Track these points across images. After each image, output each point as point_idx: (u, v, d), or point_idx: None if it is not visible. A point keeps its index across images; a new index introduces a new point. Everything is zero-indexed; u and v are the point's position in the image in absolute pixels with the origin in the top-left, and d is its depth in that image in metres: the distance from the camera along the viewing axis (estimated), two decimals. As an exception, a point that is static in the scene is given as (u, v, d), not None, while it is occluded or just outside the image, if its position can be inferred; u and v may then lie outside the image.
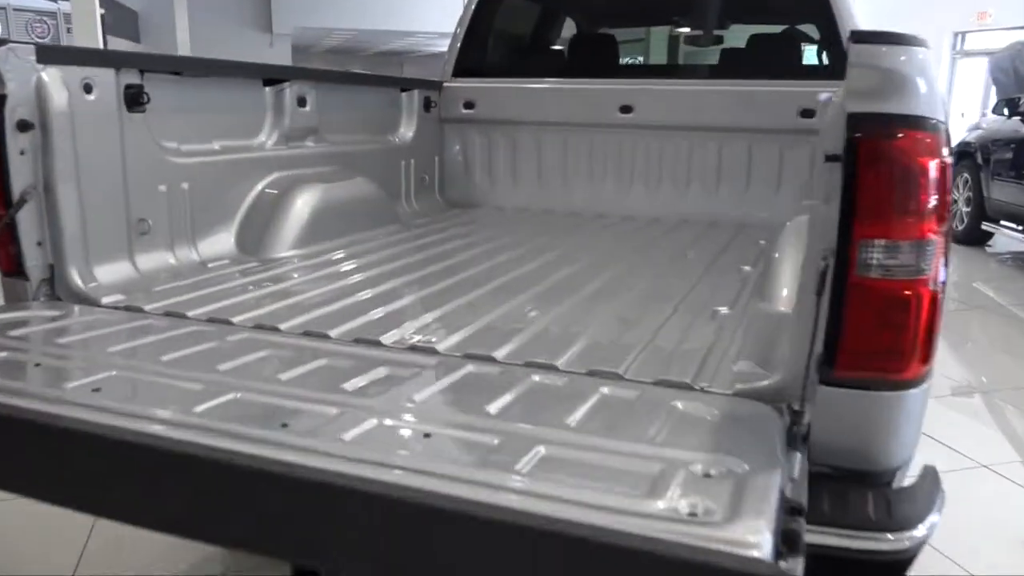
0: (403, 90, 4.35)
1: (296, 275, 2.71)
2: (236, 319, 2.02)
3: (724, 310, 2.33)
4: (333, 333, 1.92)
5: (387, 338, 1.83)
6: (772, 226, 3.91)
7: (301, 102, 3.44)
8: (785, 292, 2.31)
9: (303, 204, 3.21)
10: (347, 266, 2.90)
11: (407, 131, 4.39)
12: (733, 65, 4.40)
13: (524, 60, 4.90)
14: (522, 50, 4.91)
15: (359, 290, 2.51)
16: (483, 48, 4.82)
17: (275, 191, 3.21)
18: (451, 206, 4.64)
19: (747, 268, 2.97)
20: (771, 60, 4.37)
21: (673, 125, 4.28)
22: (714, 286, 2.59)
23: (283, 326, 1.94)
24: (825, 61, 4.34)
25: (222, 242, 2.96)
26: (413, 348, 1.77)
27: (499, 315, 2.10)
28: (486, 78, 4.64)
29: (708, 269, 2.93)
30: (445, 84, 4.63)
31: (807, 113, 3.98)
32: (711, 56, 4.89)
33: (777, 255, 2.53)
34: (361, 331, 1.95)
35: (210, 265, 2.82)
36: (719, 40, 5.57)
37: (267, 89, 3.32)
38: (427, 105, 4.52)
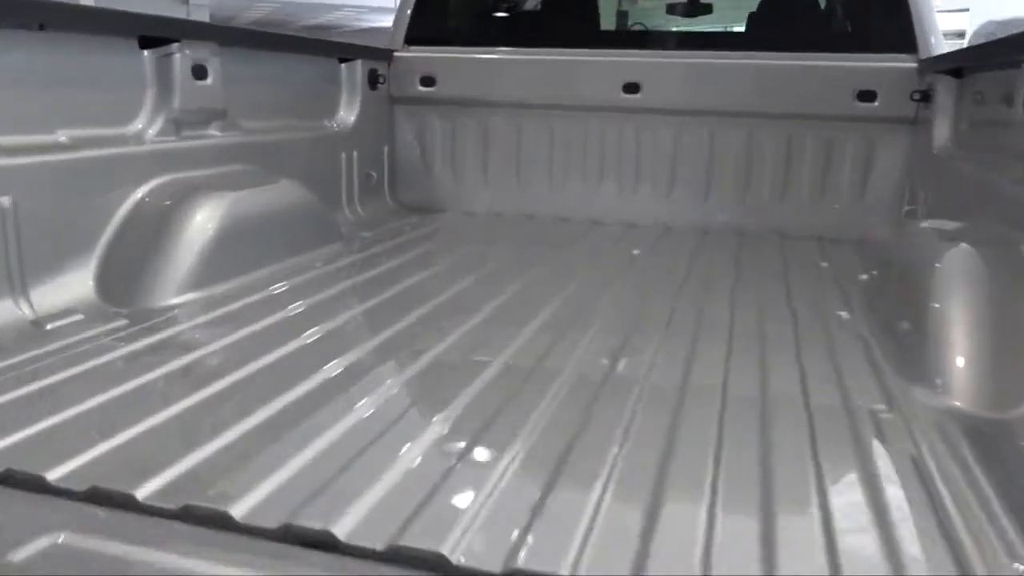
0: (342, 60, 3.32)
1: (190, 344, 1.71)
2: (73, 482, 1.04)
3: (882, 409, 1.42)
4: (259, 519, 0.98)
5: (354, 535, 1.00)
6: (820, 240, 3.06)
7: (198, 73, 2.40)
8: (964, 373, 1.44)
9: (203, 222, 2.18)
10: (271, 320, 1.91)
11: (348, 114, 3.38)
12: (768, 33, 3.52)
13: (498, 24, 3.91)
14: (495, 11, 3.92)
15: (295, 381, 1.52)
16: (444, 7, 3.81)
17: (160, 203, 2.17)
18: (406, 211, 3.65)
19: (844, 315, 2.07)
20: (816, 27, 3.50)
21: (692, 109, 3.37)
22: (819, 360, 1.68)
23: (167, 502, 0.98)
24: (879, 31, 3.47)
25: (72, 286, 1.94)
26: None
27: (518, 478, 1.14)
28: (449, 47, 3.64)
29: (781, 317, 2.05)
30: (396, 54, 3.62)
31: (866, 96, 3.12)
32: (732, 19, 3.99)
33: (938, 306, 1.63)
34: (306, 514, 0.99)
35: (50, 327, 1.80)
36: (707, 8, 4.66)
37: (146, 53, 2.28)
38: (373, 81, 3.50)
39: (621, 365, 1.66)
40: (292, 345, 1.75)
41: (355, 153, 3.42)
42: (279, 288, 2.23)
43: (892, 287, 2.04)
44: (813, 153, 3.33)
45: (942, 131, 2.82)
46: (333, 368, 1.64)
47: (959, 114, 2.77)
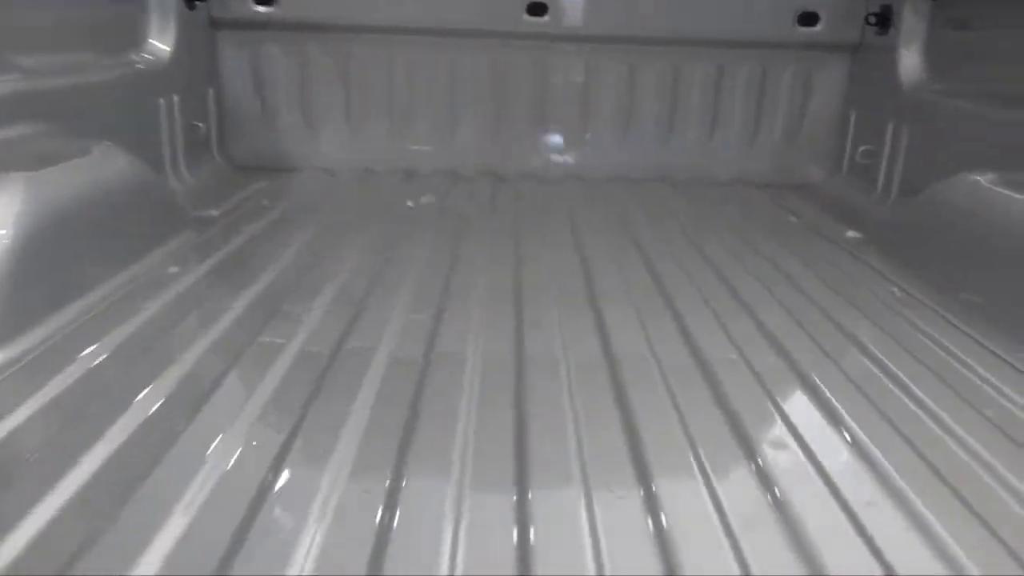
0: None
1: None
2: None
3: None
4: None
5: None
6: (759, 188, 2.70)
7: None
8: None
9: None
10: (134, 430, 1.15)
11: (162, 43, 2.44)
12: None
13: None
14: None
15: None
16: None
17: None
18: (243, 172, 2.78)
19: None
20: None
21: (609, 36, 2.81)
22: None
23: None
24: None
25: None
26: None
27: None
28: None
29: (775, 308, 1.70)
30: (216, -42, 2.68)
31: (808, 18, 2.73)
32: None
33: None
34: None
35: None
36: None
37: None
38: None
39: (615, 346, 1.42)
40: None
41: (175, 99, 2.49)
42: (117, 334, 1.39)
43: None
44: (746, 87, 2.91)
45: (912, 61, 2.49)
46: None
47: (932, 41, 2.44)
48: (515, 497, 0.96)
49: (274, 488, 0.97)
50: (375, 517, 0.92)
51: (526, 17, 2.80)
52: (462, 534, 0.89)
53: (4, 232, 1.34)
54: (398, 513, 0.93)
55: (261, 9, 2.79)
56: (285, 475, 1.00)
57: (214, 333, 1.42)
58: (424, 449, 1.07)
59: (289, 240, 2.03)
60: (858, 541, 0.91)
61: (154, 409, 1.14)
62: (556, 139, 2.99)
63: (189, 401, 1.16)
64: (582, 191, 2.72)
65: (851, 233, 2.28)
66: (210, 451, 1.04)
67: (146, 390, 1.19)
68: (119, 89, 2.18)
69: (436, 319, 1.53)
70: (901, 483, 1.03)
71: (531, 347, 1.41)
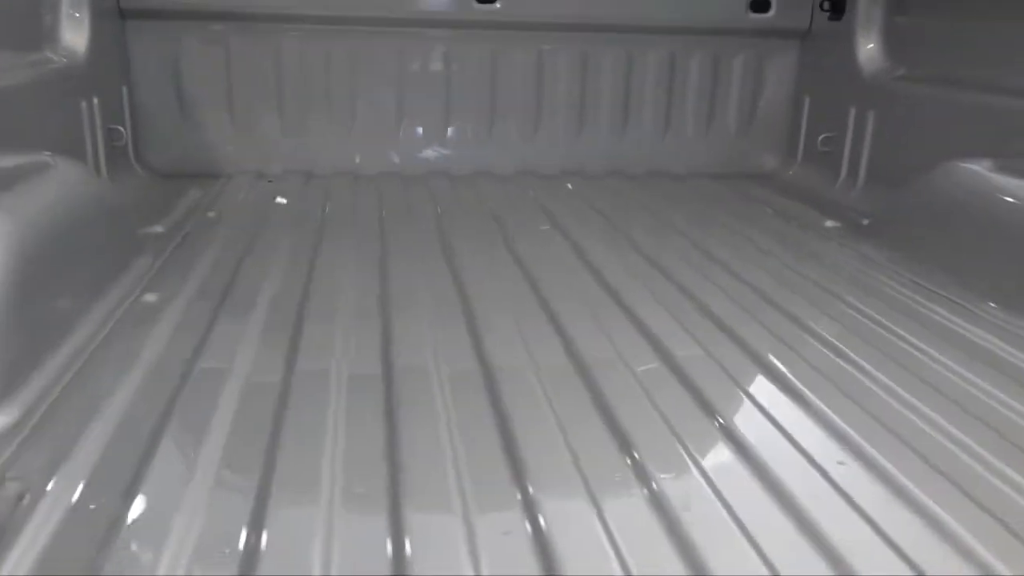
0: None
1: None
2: None
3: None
4: None
5: None
6: (716, 179, 2.90)
7: None
8: None
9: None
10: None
11: (76, 37, 2.33)
12: None
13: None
14: None
15: None
16: None
17: None
18: (165, 181, 2.69)
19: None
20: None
21: (562, 24, 2.90)
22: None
23: None
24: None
25: None
26: None
27: None
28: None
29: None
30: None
31: (760, 5, 2.93)
32: None
33: None
34: None
35: None
36: None
37: None
38: None
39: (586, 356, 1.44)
40: None
41: (95, 100, 2.38)
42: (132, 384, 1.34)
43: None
44: (699, 76, 3.07)
45: (870, 47, 2.71)
46: None
47: (889, 27, 2.67)
48: (388, 513, 0.98)
49: (127, 521, 0.96)
50: (239, 542, 0.92)
51: (476, 5, 2.85)
52: (335, 555, 0.90)
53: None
54: (265, 536, 0.94)
55: (184, -3, 2.70)
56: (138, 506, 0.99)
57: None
58: (289, 471, 1.07)
59: (266, 256, 1.99)
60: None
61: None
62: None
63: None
64: (536, 187, 2.79)
65: (829, 223, 2.47)
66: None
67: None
68: (36, 92, 2.06)
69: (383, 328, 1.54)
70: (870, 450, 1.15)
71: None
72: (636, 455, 1.12)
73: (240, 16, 2.76)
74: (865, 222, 2.38)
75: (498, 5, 2.86)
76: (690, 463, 1.11)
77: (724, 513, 1.00)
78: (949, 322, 1.68)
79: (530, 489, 1.03)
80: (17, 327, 1.27)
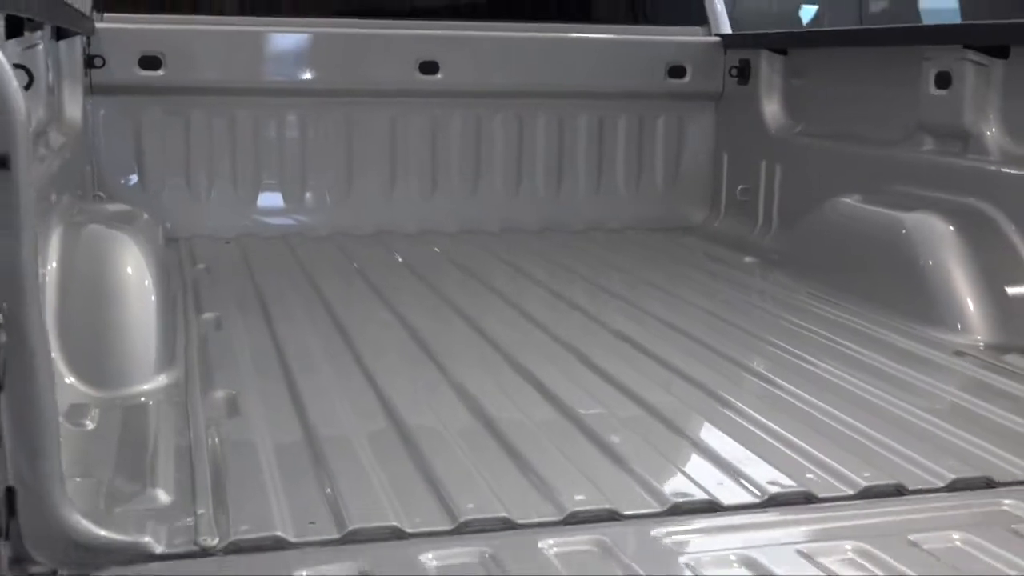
0: (60, 37, 3.38)
1: None
2: None
3: None
4: None
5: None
6: (651, 232, 4.22)
7: None
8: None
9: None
10: None
11: (73, 110, 3.47)
12: (567, 2, 4.50)
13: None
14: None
15: None
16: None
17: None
18: None
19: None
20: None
21: (497, 91, 4.22)
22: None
23: None
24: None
25: None
26: None
27: None
28: (176, 15, 3.91)
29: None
30: (99, 24, 3.76)
31: (677, 71, 4.32)
32: None
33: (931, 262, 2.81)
34: None
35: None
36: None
37: None
38: (89, 63, 3.63)
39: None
40: None
41: (89, 170, 3.52)
42: None
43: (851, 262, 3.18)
44: (627, 135, 4.41)
45: (773, 107, 4.11)
46: None
47: (787, 90, 4.08)
48: None
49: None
50: None
51: (418, 76, 4.12)
52: None
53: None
54: None
55: (146, 74, 3.87)
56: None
57: None
58: None
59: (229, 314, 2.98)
60: None
61: None
62: None
63: None
64: (476, 246, 3.99)
65: (748, 259, 3.79)
66: None
67: None
68: (71, 163, 3.16)
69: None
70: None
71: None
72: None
73: (203, 90, 3.94)
74: (775, 256, 3.71)
75: (440, 76, 4.14)
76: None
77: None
78: (829, 314, 2.98)
79: None
80: (164, 314, 2.39)
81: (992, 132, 3.02)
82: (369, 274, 3.44)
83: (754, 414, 2.15)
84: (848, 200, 3.31)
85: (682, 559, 1.49)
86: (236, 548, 1.53)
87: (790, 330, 2.85)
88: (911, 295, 2.92)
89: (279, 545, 1.54)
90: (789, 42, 4.16)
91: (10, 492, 1.42)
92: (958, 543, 1.55)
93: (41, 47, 2.78)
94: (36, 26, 2.68)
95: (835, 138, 3.74)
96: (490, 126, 4.30)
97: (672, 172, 4.50)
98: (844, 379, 2.40)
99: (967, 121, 3.06)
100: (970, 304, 2.79)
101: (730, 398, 2.25)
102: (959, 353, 2.64)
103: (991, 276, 2.82)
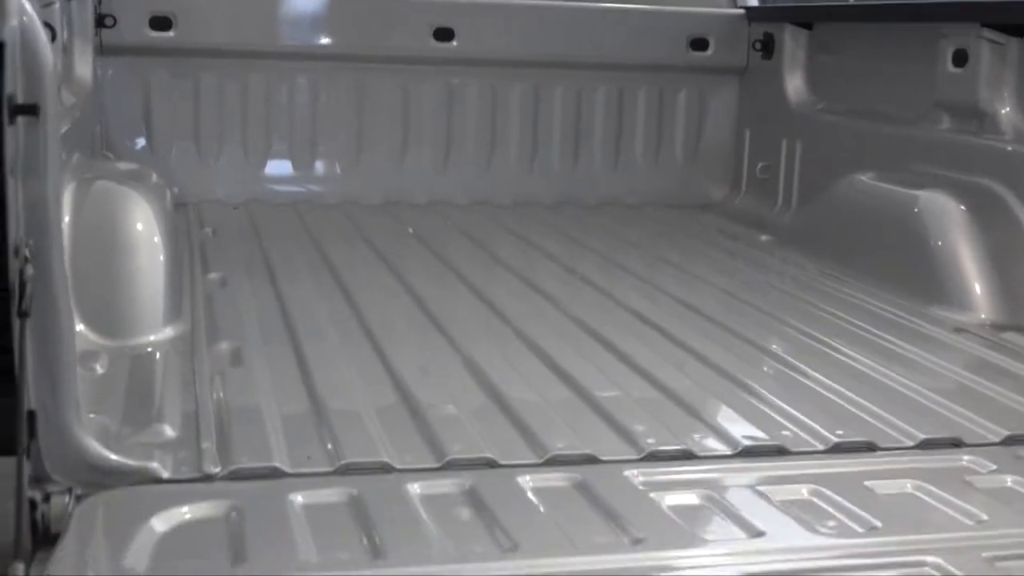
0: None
1: None
2: None
3: None
4: None
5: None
6: (668, 208, 4.46)
7: None
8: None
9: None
10: None
11: (84, 70, 3.73)
12: None
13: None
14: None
15: None
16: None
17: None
18: None
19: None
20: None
21: (513, 60, 4.45)
22: None
23: None
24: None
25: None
26: None
27: None
28: (189, -25, 4.18)
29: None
30: (108, -19, 4.02)
31: (699, 43, 4.54)
32: None
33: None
34: None
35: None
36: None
37: None
38: (100, 22, 3.89)
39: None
40: None
41: (98, 130, 3.78)
42: None
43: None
44: (646, 109, 4.64)
45: (796, 83, 4.32)
46: None
47: (811, 65, 4.30)
48: None
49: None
50: None
51: (433, 43, 4.36)
52: None
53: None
54: None
55: (157, 34, 4.13)
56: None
57: None
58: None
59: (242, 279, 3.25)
60: None
61: None
62: None
63: None
64: (488, 217, 4.24)
65: (764, 237, 4.01)
66: None
67: None
68: (82, 122, 3.42)
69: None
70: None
71: None
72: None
73: (213, 53, 4.20)
74: (791, 234, 3.93)
75: (455, 43, 4.38)
76: None
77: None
78: (837, 291, 3.21)
79: None
80: (172, 270, 2.65)
81: (1007, 111, 3.23)
82: (376, 242, 3.69)
83: (725, 367, 2.46)
84: (862, 178, 3.53)
85: (651, 494, 1.74)
86: (236, 476, 1.78)
87: (799, 308, 3.07)
88: (919, 273, 3.14)
89: (277, 474, 1.79)
90: (814, 15, 4.37)
91: (31, 415, 1.68)
92: (909, 489, 1.78)
93: (57, 5, 3.03)
94: None
95: (856, 115, 3.95)
96: (506, 97, 4.53)
97: (692, 148, 4.72)
98: (841, 351, 2.64)
99: (982, 99, 3.26)
100: (975, 282, 3.01)
101: (722, 364, 2.50)
102: (959, 330, 2.86)
103: (997, 255, 3.03)
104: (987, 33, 3.24)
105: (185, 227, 3.71)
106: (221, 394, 2.18)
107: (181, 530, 1.59)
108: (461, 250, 3.66)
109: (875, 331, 2.83)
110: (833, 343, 2.70)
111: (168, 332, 2.55)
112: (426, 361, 2.44)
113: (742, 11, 4.60)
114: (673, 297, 3.14)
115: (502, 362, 2.45)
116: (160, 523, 1.58)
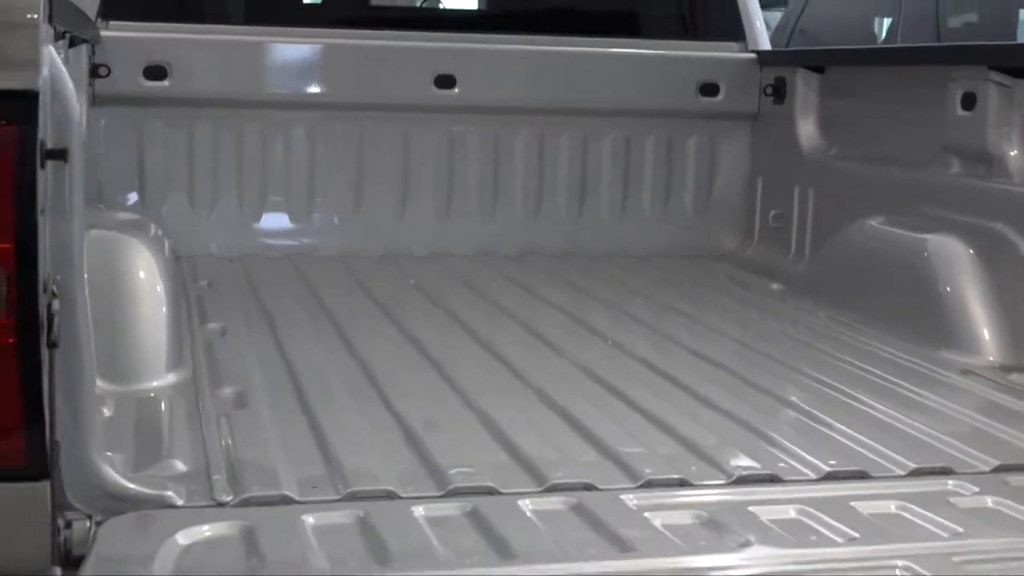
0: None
1: None
2: None
3: None
4: None
5: None
6: (674, 259, 4.77)
7: None
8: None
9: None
10: None
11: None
12: (593, 13, 5.08)
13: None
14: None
15: None
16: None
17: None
18: None
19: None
20: (647, 8, 5.17)
21: (515, 107, 4.78)
22: None
23: None
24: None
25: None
26: None
27: None
28: (183, 23, 4.52)
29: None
30: (104, 32, 4.36)
31: (709, 89, 4.87)
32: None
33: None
34: None
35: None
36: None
37: None
38: (94, 72, 4.23)
39: None
40: None
41: (94, 181, 4.10)
42: None
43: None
44: (655, 157, 4.96)
45: (808, 128, 4.65)
46: None
47: (823, 110, 4.63)
48: None
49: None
50: None
51: (434, 90, 4.70)
52: None
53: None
54: None
55: (151, 84, 4.47)
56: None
57: None
58: None
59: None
60: None
61: None
62: None
63: None
64: (492, 268, 4.55)
65: (775, 286, 4.31)
66: None
67: None
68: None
69: None
70: None
71: None
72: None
73: (208, 102, 4.54)
74: (802, 282, 4.23)
75: (457, 90, 4.72)
76: None
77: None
78: (846, 336, 3.50)
79: None
80: (174, 318, 2.96)
81: (1015, 153, 3.53)
82: (376, 293, 3.99)
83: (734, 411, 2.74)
84: (871, 223, 3.84)
85: (645, 513, 2.03)
86: (248, 503, 2.07)
87: (811, 356, 3.37)
88: (928, 317, 3.44)
89: (287, 501, 2.07)
90: (826, 59, 4.71)
91: (55, 445, 1.97)
92: (892, 508, 2.07)
93: (63, 55, 3.37)
94: (59, 34, 3.29)
95: (868, 160, 4.27)
96: (509, 144, 4.85)
97: (703, 196, 5.03)
98: (848, 394, 2.93)
99: (990, 142, 3.57)
100: (983, 326, 3.30)
101: (731, 409, 2.78)
102: (966, 372, 3.15)
103: (1006, 298, 3.32)
104: (995, 76, 3.55)
105: (180, 280, 4.02)
106: (228, 433, 2.47)
107: (202, 544, 1.87)
108: (464, 301, 3.96)
109: (883, 374, 3.12)
110: (840, 386, 2.99)
111: (171, 378, 2.85)
112: (430, 407, 2.74)
113: (753, 55, 4.93)
114: (684, 347, 3.44)
115: (509, 407, 2.73)
116: (183, 538, 1.86)
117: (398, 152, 4.77)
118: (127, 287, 2.94)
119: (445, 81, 4.70)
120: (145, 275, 2.97)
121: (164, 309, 2.95)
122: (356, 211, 4.77)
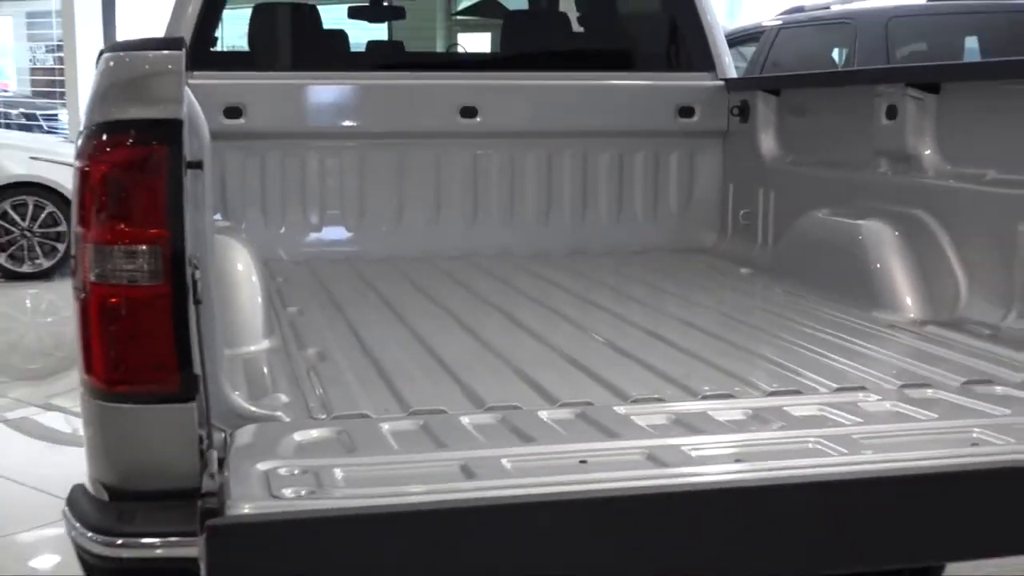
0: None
1: None
2: None
3: None
4: None
5: None
6: (663, 252, 5.18)
7: None
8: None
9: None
10: None
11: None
12: (590, 52, 5.54)
13: (307, 45, 5.33)
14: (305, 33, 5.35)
15: None
16: (213, 25, 5.12)
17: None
18: None
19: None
20: (634, 47, 5.63)
21: (528, 132, 5.24)
22: None
23: None
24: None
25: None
26: None
27: None
28: (256, 72, 4.99)
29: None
30: (191, 81, 4.82)
31: (686, 111, 5.33)
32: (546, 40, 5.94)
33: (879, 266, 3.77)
34: None
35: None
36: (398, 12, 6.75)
37: None
38: None
39: None
40: None
41: None
42: None
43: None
44: (643, 169, 5.41)
45: (768, 142, 5.09)
46: None
47: (779, 126, 5.07)
48: None
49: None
50: None
51: (459, 120, 5.16)
52: None
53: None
54: None
55: (229, 122, 4.94)
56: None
57: None
58: None
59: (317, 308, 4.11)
60: None
61: None
62: None
63: None
64: (511, 264, 4.99)
65: (744, 270, 4.76)
66: None
67: None
68: None
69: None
70: None
71: None
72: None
73: (272, 135, 5.01)
74: (765, 265, 4.68)
75: (479, 119, 5.18)
76: None
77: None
78: (797, 303, 3.95)
79: None
80: (266, 299, 3.42)
81: (928, 153, 3.97)
82: (417, 282, 4.46)
83: (711, 358, 3.16)
84: (818, 214, 4.29)
85: (632, 417, 2.48)
86: (338, 419, 2.53)
87: (765, 315, 3.82)
88: (863, 285, 3.88)
89: (366, 417, 2.54)
90: (781, 83, 5.16)
91: (198, 377, 2.43)
92: (816, 412, 2.52)
93: None
94: None
95: (817, 165, 4.71)
96: (523, 163, 5.30)
97: (685, 201, 5.47)
98: (799, 344, 3.38)
99: (909, 145, 4.01)
100: (905, 290, 3.74)
101: (710, 357, 3.23)
102: (891, 326, 3.59)
103: (923, 269, 3.77)
104: (911, 91, 3.99)
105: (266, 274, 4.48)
106: (315, 378, 2.93)
107: (313, 439, 2.34)
108: (489, 286, 4.40)
109: (827, 330, 3.55)
110: (793, 340, 3.42)
111: (266, 343, 3.30)
112: (467, 354, 3.20)
113: (722, 82, 5.38)
114: (673, 316, 3.88)
115: (531, 354, 3.19)
116: (299, 436, 2.33)
117: (431, 172, 5.22)
118: (231, 276, 3.38)
119: (469, 112, 5.16)
120: (243, 267, 3.42)
121: (259, 291, 3.40)
122: (398, 221, 5.22)
